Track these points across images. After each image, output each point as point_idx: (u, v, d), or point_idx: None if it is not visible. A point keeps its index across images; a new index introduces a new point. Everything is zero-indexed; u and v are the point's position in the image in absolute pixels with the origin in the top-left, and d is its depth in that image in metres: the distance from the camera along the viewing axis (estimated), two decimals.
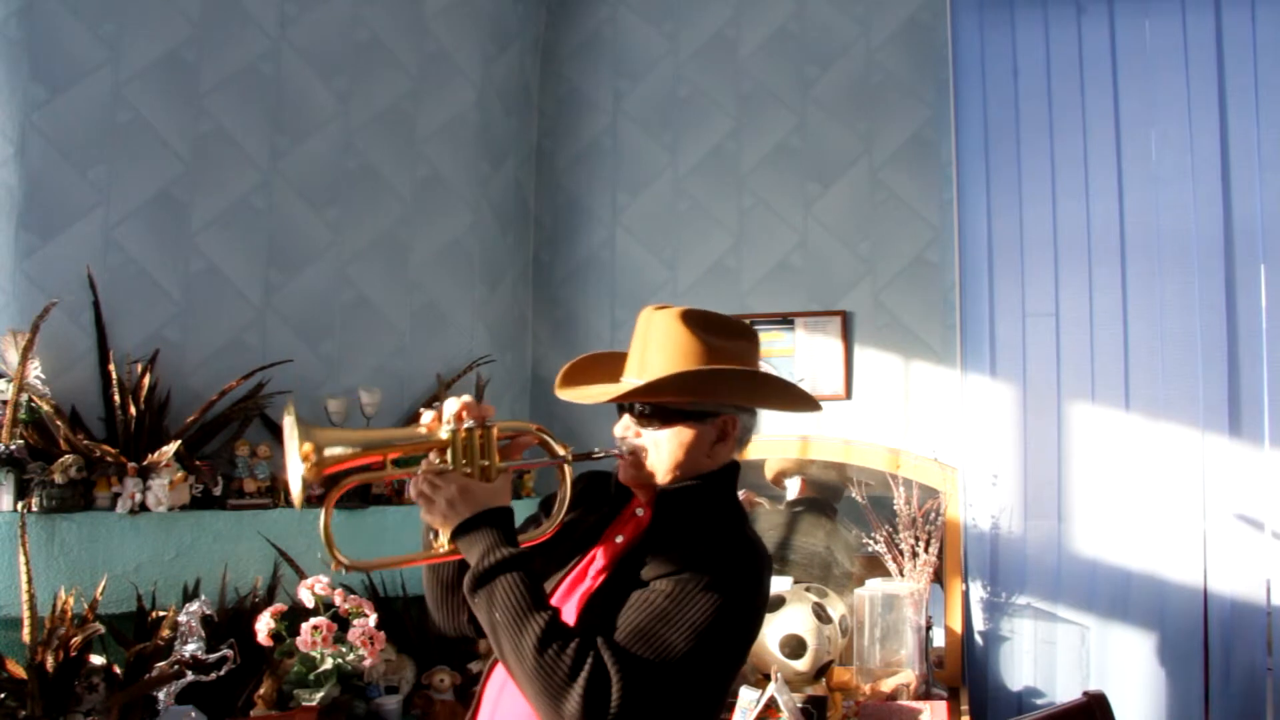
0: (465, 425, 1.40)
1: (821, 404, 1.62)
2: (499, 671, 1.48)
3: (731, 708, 2.47)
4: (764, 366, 1.62)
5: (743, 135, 3.43)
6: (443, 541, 1.40)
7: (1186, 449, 2.79)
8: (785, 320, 3.29)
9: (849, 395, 3.23)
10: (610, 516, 1.57)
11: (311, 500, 2.65)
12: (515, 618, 1.28)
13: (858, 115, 3.34)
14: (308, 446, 1.33)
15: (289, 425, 1.34)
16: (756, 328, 3.27)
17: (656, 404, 1.48)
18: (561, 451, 1.48)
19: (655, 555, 1.41)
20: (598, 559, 1.50)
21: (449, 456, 1.39)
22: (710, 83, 3.48)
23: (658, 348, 1.50)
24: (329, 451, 1.34)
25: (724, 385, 1.48)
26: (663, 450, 1.48)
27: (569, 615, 1.43)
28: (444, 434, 1.40)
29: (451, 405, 1.41)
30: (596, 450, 1.54)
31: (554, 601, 1.48)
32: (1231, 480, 2.75)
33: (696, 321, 1.50)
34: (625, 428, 1.52)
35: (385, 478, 1.44)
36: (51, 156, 2.46)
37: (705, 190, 3.45)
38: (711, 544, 1.40)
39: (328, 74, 2.96)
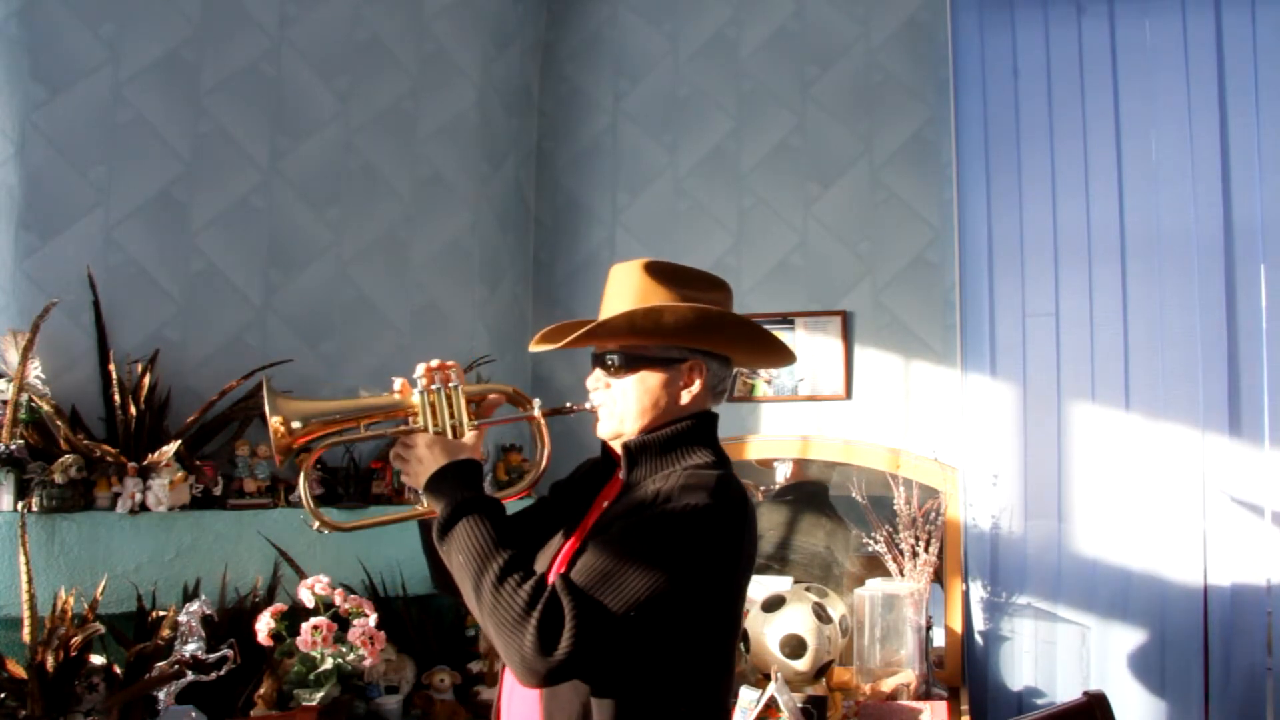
0: (433, 387, 1.47)
1: (794, 354, 1.60)
2: (509, 676, 1.48)
3: (731, 708, 2.47)
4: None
5: (743, 135, 3.43)
6: (421, 500, 1.45)
7: (1186, 449, 2.79)
8: (785, 320, 3.29)
9: (849, 395, 3.23)
10: (601, 485, 1.59)
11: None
12: (476, 557, 1.30)
13: (858, 115, 3.34)
14: (278, 419, 1.41)
15: (264, 398, 1.41)
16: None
17: (621, 351, 1.49)
18: (532, 408, 1.53)
19: (623, 502, 1.43)
20: (586, 526, 1.51)
21: (420, 419, 1.46)
22: (710, 83, 3.48)
23: (618, 296, 1.52)
24: (297, 424, 1.43)
25: (679, 324, 1.46)
26: (629, 398, 1.49)
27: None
28: (414, 398, 1.48)
29: (419, 370, 1.48)
30: (568, 404, 1.57)
31: (549, 572, 1.49)
32: (1231, 479, 2.75)
33: (660, 270, 1.51)
34: (596, 379, 1.53)
35: (359, 439, 1.52)
36: (51, 156, 2.46)
37: (705, 190, 3.45)
38: (675, 484, 1.39)
39: (328, 74, 2.96)
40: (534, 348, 1.64)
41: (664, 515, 1.34)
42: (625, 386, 1.49)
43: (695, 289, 1.51)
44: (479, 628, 2.75)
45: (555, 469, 1.77)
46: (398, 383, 1.50)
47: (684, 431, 1.48)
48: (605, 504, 1.51)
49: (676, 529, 1.33)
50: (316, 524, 1.47)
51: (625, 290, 1.51)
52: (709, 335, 1.49)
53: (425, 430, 1.45)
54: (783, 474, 3.27)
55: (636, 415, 1.49)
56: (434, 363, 1.48)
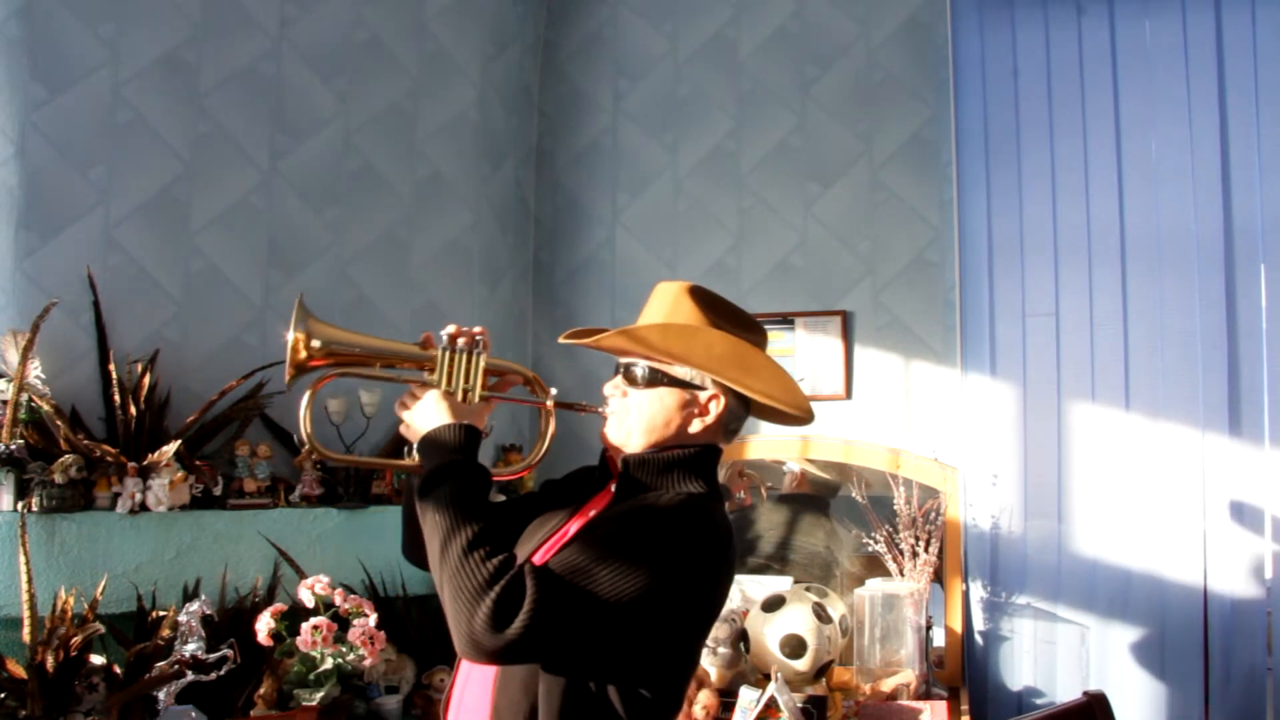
0: (456, 348, 1.46)
1: (813, 414, 1.57)
2: (464, 668, 1.48)
3: (731, 708, 2.48)
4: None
5: (743, 135, 3.44)
6: (415, 454, 1.44)
7: (1186, 449, 2.79)
8: (785, 320, 3.29)
9: (849, 395, 3.23)
10: (592, 494, 1.58)
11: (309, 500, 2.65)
12: (450, 518, 1.29)
13: (858, 115, 3.34)
14: (300, 334, 1.41)
15: (294, 311, 1.42)
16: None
17: (647, 364, 1.49)
18: (547, 396, 1.53)
19: (610, 511, 1.43)
20: (570, 529, 1.50)
21: (436, 375, 1.46)
22: (710, 83, 3.48)
23: (658, 311, 1.52)
24: (317, 343, 1.43)
25: (708, 350, 1.46)
26: (643, 412, 1.48)
27: None
28: (434, 352, 1.47)
29: (449, 328, 1.47)
30: (583, 402, 1.57)
31: None
32: (1231, 480, 2.75)
33: (702, 297, 1.51)
34: (614, 386, 1.53)
35: (370, 375, 1.51)
36: (51, 156, 2.46)
37: (705, 190, 3.45)
38: (665, 502, 1.39)
39: (328, 74, 2.96)
40: (563, 340, 1.64)
41: (647, 529, 1.34)
42: (641, 400, 1.49)
43: (732, 324, 1.50)
44: None
45: (552, 467, 1.76)
46: (424, 335, 1.50)
47: (685, 458, 1.47)
48: (592, 513, 1.50)
49: (655, 544, 1.32)
50: (308, 446, 1.47)
51: (664, 307, 1.51)
52: (735, 371, 1.48)
53: (436, 387, 1.44)
54: (788, 478, 3.26)
55: (645, 431, 1.48)
56: (468, 327, 1.48)
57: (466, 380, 1.46)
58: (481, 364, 1.47)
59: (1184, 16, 2.87)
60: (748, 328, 1.53)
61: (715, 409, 1.49)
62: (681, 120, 3.50)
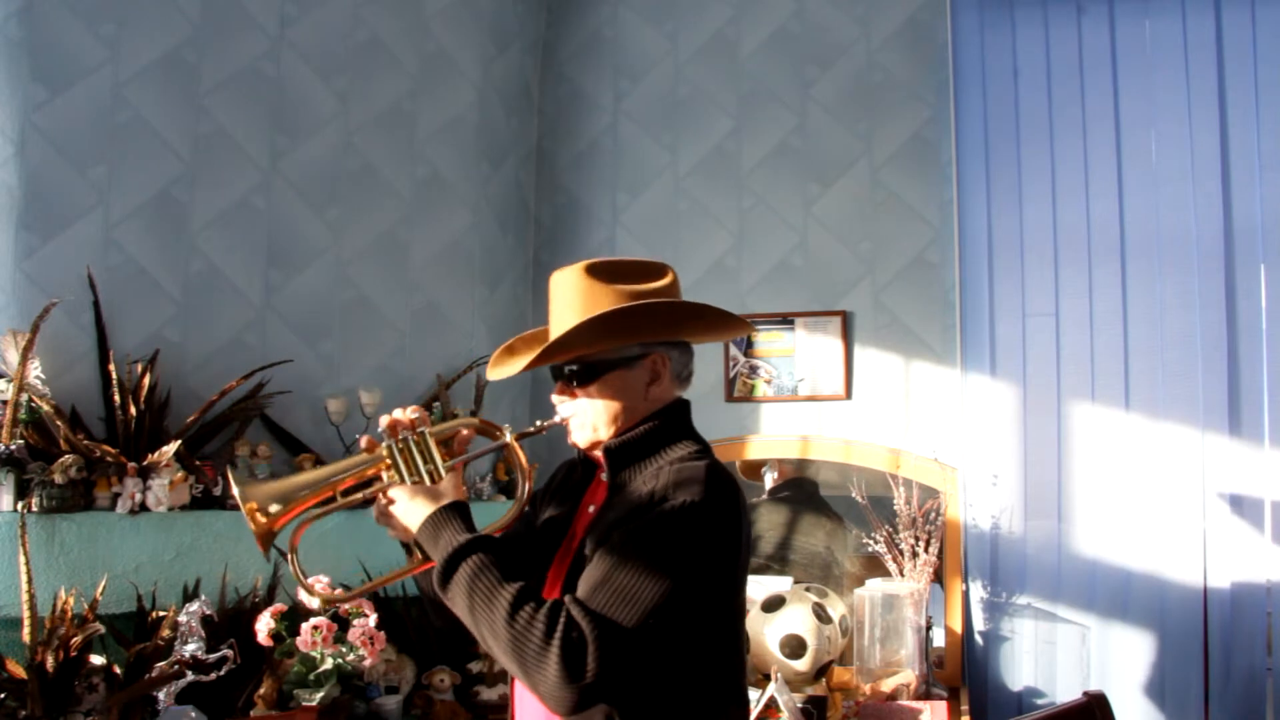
0: (399, 438, 1.43)
1: (749, 324, 1.60)
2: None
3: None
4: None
5: (743, 135, 3.44)
6: (416, 554, 1.43)
7: (1186, 449, 2.79)
8: (785, 320, 3.29)
9: (849, 395, 3.23)
10: (582, 489, 1.58)
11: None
12: (484, 598, 1.29)
13: (858, 115, 3.34)
14: (251, 505, 1.38)
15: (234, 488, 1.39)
16: (757, 328, 3.24)
17: (579, 361, 1.48)
18: (503, 434, 1.51)
19: (615, 508, 1.42)
20: (576, 533, 1.50)
21: (395, 473, 1.43)
22: (710, 83, 3.48)
23: (566, 305, 1.50)
24: (274, 506, 1.39)
25: (635, 322, 1.46)
26: (598, 405, 1.49)
27: (557, 593, 1.43)
28: (382, 452, 1.44)
29: (382, 423, 1.45)
30: (536, 423, 1.55)
31: (547, 585, 1.49)
32: (1231, 479, 2.75)
33: (601, 270, 1.50)
34: (561, 392, 1.53)
35: (342, 506, 1.46)
36: (51, 156, 2.46)
37: (705, 190, 3.45)
38: (668, 482, 1.39)
39: (328, 74, 2.96)
40: (491, 375, 1.62)
41: (662, 517, 1.34)
42: (591, 394, 1.49)
43: (640, 281, 1.50)
44: None
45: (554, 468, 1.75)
46: (364, 440, 1.47)
47: (660, 427, 1.48)
48: (591, 508, 1.50)
49: (676, 529, 1.33)
50: (309, 597, 1.46)
51: (570, 298, 1.50)
52: (662, 327, 1.49)
53: (402, 483, 1.43)
54: (770, 479, 3.27)
55: (608, 421, 1.49)
56: (396, 413, 1.45)
57: (425, 462, 1.44)
58: (430, 440, 1.44)
59: (1184, 16, 2.87)
60: (656, 276, 1.53)
61: (662, 369, 1.51)
62: (681, 120, 3.50)
